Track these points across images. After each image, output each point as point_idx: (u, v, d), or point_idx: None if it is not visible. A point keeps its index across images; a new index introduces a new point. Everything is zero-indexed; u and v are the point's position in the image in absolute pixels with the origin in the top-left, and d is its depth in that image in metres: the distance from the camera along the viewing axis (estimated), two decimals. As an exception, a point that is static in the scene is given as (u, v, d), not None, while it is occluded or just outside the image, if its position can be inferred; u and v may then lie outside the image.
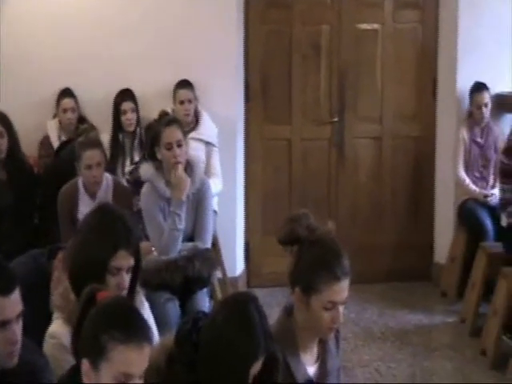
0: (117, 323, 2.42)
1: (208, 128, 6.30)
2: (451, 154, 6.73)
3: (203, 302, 4.67)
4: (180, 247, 4.69)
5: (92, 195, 5.24)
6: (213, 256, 4.86)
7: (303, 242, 2.96)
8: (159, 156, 4.77)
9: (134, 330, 2.43)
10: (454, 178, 6.67)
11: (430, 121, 7.01)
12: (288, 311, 3.02)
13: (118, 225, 3.11)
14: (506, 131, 6.17)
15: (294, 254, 2.99)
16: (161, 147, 4.73)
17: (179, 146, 4.72)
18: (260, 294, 6.31)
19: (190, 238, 4.80)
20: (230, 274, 6.42)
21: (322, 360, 3.08)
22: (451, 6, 6.79)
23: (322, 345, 3.09)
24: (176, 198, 4.67)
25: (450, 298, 6.56)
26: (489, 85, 6.61)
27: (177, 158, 4.69)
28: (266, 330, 2.59)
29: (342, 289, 2.92)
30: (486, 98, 6.56)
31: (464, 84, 6.70)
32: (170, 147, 4.70)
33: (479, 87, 6.57)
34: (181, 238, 4.70)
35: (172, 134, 4.73)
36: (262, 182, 6.91)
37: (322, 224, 3.05)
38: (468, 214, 6.48)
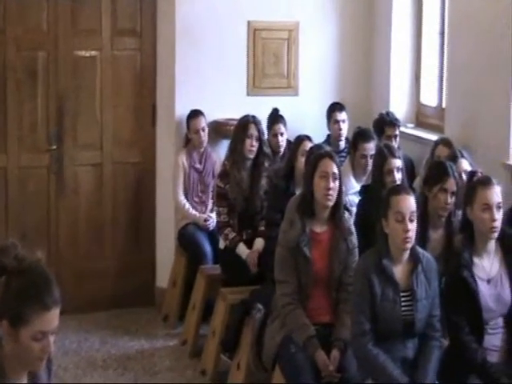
0: None
1: None
2: (171, 180, 6.84)
3: None
4: None
5: None
6: None
7: (10, 272, 2.89)
8: None
9: None
10: (174, 203, 6.78)
11: (149, 147, 7.09)
12: (-4, 344, 2.94)
13: None
14: (223, 157, 6.38)
15: (1, 285, 2.91)
16: None
17: None
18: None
19: None
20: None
21: (32, 392, 3.02)
22: (168, 34, 6.93)
23: (32, 375, 3.02)
24: None
25: (172, 322, 6.63)
26: (207, 111, 6.80)
27: None
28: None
29: (52, 318, 2.87)
30: (202, 122, 6.76)
31: (182, 111, 6.87)
32: None
33: (195, 113, 6.78)
34: None
35: None
36: (-23, 213, 6.65)
37: (34, 253, 2.98)
38: (188, 238, 6.61)
